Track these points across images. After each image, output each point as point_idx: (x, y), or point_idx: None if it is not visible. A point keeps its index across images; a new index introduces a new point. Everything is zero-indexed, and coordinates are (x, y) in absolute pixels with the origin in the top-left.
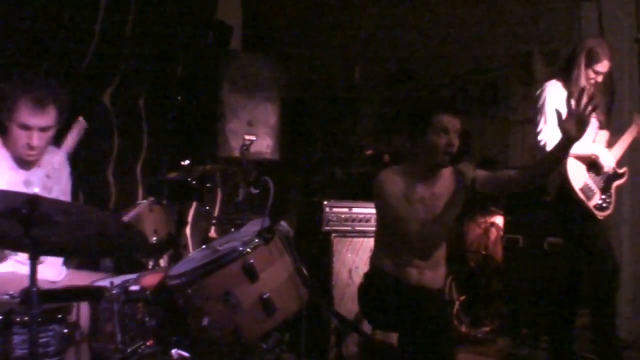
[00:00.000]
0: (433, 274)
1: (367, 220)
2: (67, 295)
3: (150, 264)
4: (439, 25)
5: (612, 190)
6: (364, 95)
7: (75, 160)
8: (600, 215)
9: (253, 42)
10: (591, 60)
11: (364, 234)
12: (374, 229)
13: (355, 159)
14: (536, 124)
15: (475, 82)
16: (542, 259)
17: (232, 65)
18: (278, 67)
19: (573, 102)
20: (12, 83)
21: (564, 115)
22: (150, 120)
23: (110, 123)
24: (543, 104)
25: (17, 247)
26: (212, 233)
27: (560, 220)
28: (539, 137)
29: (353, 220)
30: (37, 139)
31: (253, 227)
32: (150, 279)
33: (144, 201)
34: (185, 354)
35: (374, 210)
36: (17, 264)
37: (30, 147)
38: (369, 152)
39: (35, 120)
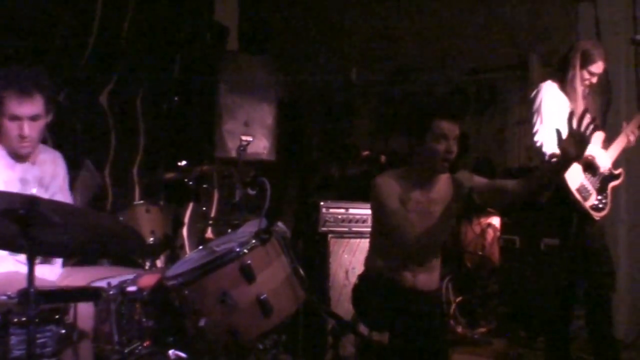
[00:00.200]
0: (427, 277)
1: (364, 221)
2: (64, 295)
3: (147, 264)
4: (436, 26)
5: (608, 191)
6: (360, 96)
7: (71, 160)
8: (596, 216)
9: (250, 43)
10: (586, 62)
11: (360, 234)
12: (370, 230)
13: (352, 159)
14: (532, 125)
15: (472, 83)
16: (539, 260)
17: (229, 66)
18: (275, 68)
19: (575, 122)
20: None
21: (564, 134)
22: (147, 120)
23: (107, 123)
24: (539, 105)
25: (15, 248)
26: (209, 234)
27: (557, 221)
28: (535, 138)
29: (350, 221)
30: (28, 129)
31: (250, 228)
32: (148, 280)
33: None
34: (183, 354)
35: (370, 212)
36: (17, 264)
37: (22, 138)
38: (366, 153)
39: (23, 109)
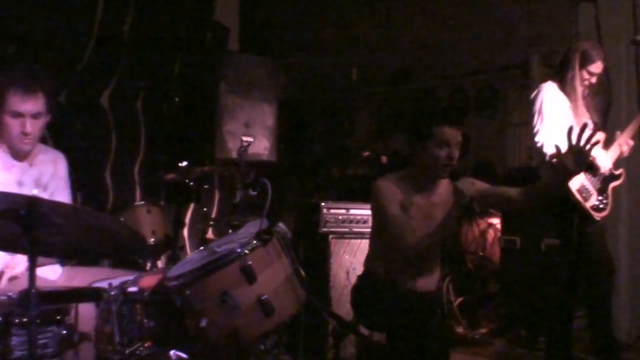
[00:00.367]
0: (427, 279)
1: (365, 222)
2: (65, 296)
3: (148, 265)
4: (437, 27)
5: (609, 192)
6: (361, 97)
7: (73, 161)
8: (597, 216)
9: (250, 43)
10: (585, 62)
11: (361, 235)
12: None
13: (352, 160)
14: (533, 126)
15: (472, 83)
16: (540, 260)
17: (230, 66)
18: (275, 68)
19: (574, 137)
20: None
21: (563, 148)
22: (148, 121)
23: (108, 124)
24: (540, 106)
25: (16, 248)
26: (210, 234)
27: (557, 222)
28: (536, 139)
29: (350, 221)
30: (30, 126)
31: (251, 228)
32: (149, 280)
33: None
34: (184, 355)
35: (370, 212)
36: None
37: (25, 135)
38: (366, 153)
39: (26, 106)
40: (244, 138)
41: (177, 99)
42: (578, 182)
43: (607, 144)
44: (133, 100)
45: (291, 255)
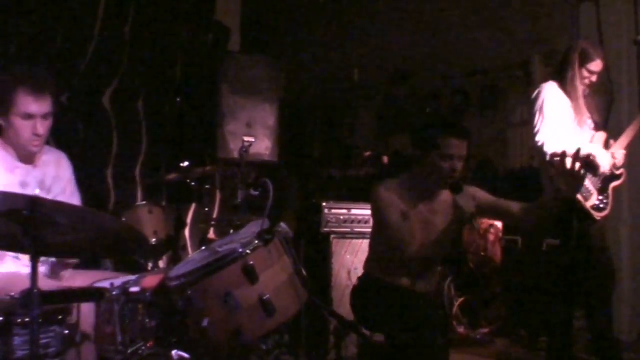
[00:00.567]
0: (426, 282)
1: (366, 222)
2: (67, 296)
3: (150, 265)
4: (438, 27)
5: (610, 191)
6: (362, 97)
7: (74, 161)
8: (597, 216)
9: (252, 43)
10: (584, 60)
11: (362, 235)
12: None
13: (354, 160)
14: (534, 126)
15: (474, 84)
16: (541, 260)
17: (231, 67)
18: (277, 68)
19: (568, 163)
20: (7, 76)
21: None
22: (150, 122)
23: (110, 125)
24: (541, 106)
25: (18, 248)
26: (211, 235)
27: (558, 222)
28: (537, 138)
29: (352, 221)
30: (41, 127)
31: (252, 228)
32: (151, 281)
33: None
34: (186, 355)
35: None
36: (17, 263)
37: (37, 137)
38: (368, 153)
39: (37, 108)
40: (246, 138)
41: (178, 100)
42: None
43: (608, 144)
44: (134, 101)
45: (293, 255)
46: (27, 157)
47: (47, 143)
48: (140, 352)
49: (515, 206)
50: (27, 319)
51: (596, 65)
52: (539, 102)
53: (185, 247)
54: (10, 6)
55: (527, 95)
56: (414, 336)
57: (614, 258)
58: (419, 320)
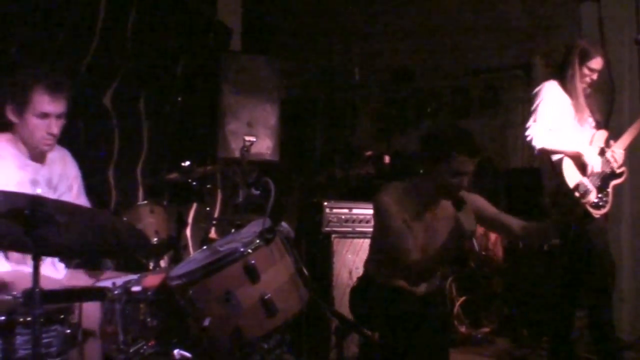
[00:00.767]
0: (426, 285)
1: (367, 221)
2: (69, 295)
3: (151, 265)
4: (439, 27)
5: (610, 189)
6: (363, 96)
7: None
8: (595, 213)
9: (253, 43)
10: (584, 58)
11: (364, 234)
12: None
13: (355, 160)
14: (527, 121)
15: (475, 83)
16: (542, 259)
17: (232, 66)
18: (278, 68)
19: (561, 197)
20: (24, 74)
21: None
22: (151, 121)
23: (111, 124)
24: (537, 104)
25: (20, 248)
26: (213, 234)
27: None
28: (526, 133)
29: (353, 221)
30: (55, 127)
31: (254, 228)
32: (152, 280)
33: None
34: (187, 354)
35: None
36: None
37: (52, 136)
38: (369, 153)
39: (53, 107)
40: (247, 137)
41: (179, 99)
42: (576, 179)
43: (609, 142)
44: (136, 101)
45: (294, 254)
46: (37, 156)
47: None
48: (141, 351)
49: (515, 223)
50: (29, 318)
51: (596, 63)
52: (537, 101)
53: (186, 247)
54: (11, 5)
55: (527, 95)
56: (410, 338)
57: (614, 257)
58: (417, 323)
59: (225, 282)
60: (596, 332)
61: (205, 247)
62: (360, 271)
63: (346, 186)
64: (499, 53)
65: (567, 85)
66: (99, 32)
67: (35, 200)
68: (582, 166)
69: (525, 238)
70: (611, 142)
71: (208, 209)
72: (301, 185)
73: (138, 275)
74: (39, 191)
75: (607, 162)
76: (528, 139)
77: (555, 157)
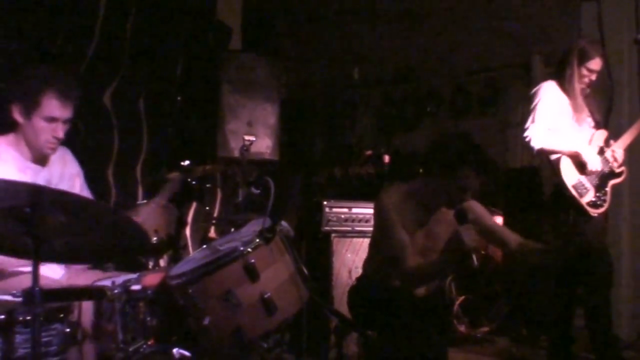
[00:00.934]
0: (426, 287)
1: (367, 221)
2: (69, 294)
3: (151, 264)
4: (439, 26)
5: (608, 188)
6: (363, 95)
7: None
8: (593, 212)
9: (253, 42)
10: (583, 58)
11: (363, 234)
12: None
13: (354, 159)
14: (526, 121)
15: (474, 82)
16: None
17: (232, 65)
18: (277, 67)
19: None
20: (35, 77)
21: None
22: (150, 120)
23: (111, 123)
24: (535, 104)
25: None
26: (212, 233)
27: (556, 219)
28: (525, 134)
29: (353, 220)
30: (61, 131)
31: (253, 227)
32: (152, 279)
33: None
34: (187, 353)
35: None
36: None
37: (57, 140)
38: (369, 152)
39: (61, 112)
40: (247, 137)
41: (179, 98)
42: (574, 177)
43: (608, 142)
44: (135, 100)
45: (294, 253)
46: (39, 158)
47: None
48: (141, 350)
49: (512, 238)
50: (28, 317)
51: (595, 64)
52: (535, 101)
53: (186, 246)
54: (11, 4)
55: (527, 94)
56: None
57: (612, 257)
58: (416, 323)
59: (225, 281)
60: (593, 330)
61: (204, 246)
62: (359, 270)
63: (346, 185)
64: (499, 53)
65: (565, 85)
66: (99, 31)
67: (36, 190)
68: (580, 165)
69: (520, 254)
70: (611, 141)
71: (208, 208)
72: (301, 184)
73: (137, 274)
74: None
75: (606, 161)
76: (526, 139)
77: (553, 156)
